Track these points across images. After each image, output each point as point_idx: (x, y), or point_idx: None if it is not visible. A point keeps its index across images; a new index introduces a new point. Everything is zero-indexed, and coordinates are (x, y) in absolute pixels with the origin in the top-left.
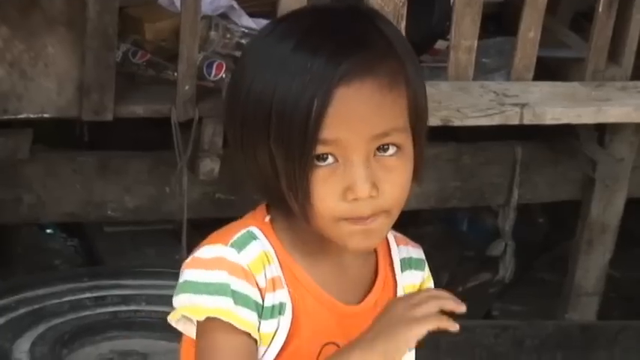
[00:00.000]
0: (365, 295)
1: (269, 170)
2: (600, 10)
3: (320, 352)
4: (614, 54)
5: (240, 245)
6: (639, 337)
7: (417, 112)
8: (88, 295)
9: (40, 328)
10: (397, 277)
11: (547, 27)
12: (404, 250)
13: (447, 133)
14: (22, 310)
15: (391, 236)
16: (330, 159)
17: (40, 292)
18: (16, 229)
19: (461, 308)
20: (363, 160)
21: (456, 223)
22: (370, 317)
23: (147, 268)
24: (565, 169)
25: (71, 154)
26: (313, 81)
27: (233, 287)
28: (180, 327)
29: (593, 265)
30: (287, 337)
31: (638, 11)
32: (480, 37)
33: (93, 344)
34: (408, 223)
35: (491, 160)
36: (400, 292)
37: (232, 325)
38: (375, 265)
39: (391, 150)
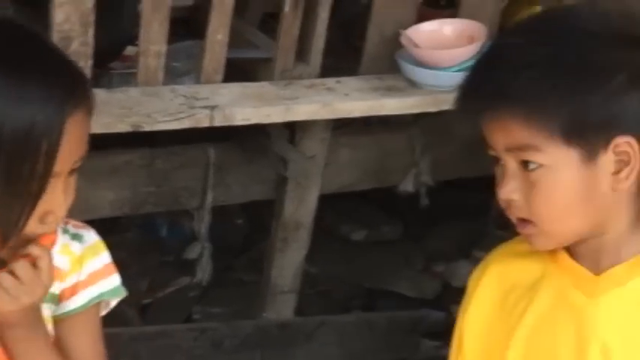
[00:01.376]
0: None
1: None
2: (287, 9)
3: None
4: (302, 53)
5: None
6: (336, 331)
7: None
8: None
9: None
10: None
11: (236, 29)
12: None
13: (144, 140)
14: None
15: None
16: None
17: None
18: None
19: None
20: (64, 185)
21: (157, 228)
22: None
23: None
24: (258, 169)
25: None
26: (43, 119)
27: None
28: None
29: (288, 263)
30: None
31: (324, 10)
32: (170, 42)
33: None
34: (107, 231)
35: (185, 164)
36: None
37: None
38: None
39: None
